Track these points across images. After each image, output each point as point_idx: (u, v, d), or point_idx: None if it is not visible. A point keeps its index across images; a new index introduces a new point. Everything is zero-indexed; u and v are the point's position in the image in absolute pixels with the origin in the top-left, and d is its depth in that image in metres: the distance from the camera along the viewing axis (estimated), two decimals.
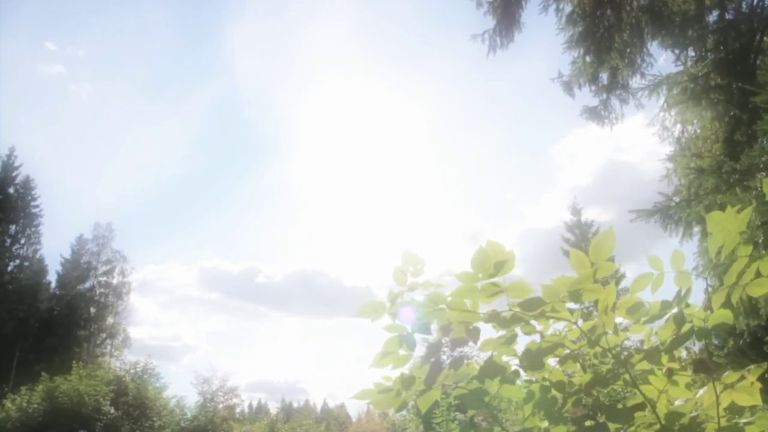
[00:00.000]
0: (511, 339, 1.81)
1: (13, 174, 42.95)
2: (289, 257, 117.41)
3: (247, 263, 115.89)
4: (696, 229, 5.21)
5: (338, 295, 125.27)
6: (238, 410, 26.23)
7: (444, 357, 1.88)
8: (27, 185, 43.30)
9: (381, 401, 1.57)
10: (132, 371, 22.77)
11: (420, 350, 1.86)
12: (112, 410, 20.31)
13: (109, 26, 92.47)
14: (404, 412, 17.08)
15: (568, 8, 6.52)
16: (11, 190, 42.33)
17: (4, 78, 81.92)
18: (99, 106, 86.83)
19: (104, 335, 44.72)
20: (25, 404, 19.56)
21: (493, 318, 1.66)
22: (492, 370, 1.62)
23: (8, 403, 20.16)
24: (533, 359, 1.61)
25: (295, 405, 76.40)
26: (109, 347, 44.84)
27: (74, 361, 22.89)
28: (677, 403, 1.90)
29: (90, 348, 42.89)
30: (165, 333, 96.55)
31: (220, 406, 23.77)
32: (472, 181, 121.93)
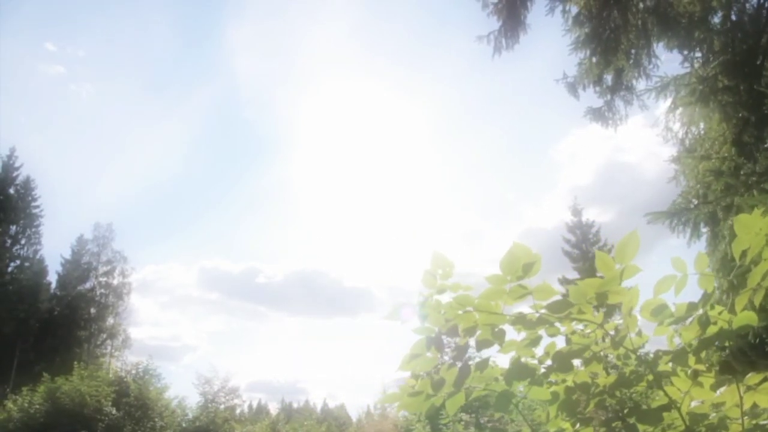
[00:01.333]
0: (536, 341, 1.82)
1: (14, 174, 42.92)
2: (289, 257, 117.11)
3: (247, 263, 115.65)
4: (704, 230, 5.23)
5: (338, 295, 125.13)
6: (238, 411, 26.21)
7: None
8: (27, 186, 43.28)
9: (410, 404, 1.58)
10: (133, 372, 22.77)
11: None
12: (114, 411, 20.30)
13: (109, 26, 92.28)
14: (406, 413, 17.07)
15: (574, 10, 6.53)
16: (12, 191, 42.29)
17: (4, 78, 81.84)
18: (99, 106, 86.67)
19: (104, 336, 44.67)
20: (26, 405, 19.55)
21: (520, 320, 1.67)
22: (520, 371, 1.62)
23: (10, 404, 20.16)
24: (564, 361, 1.61)
25: (295, 405, 76.42)
26: (109, 348, 44.80)
27: (75, 362, 22.89)
28: (693, 404, 1.91)
29: (90, 348, 42.85)
30: (165, 333, 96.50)
31: (222, 406, 23.77)
32: (473, 181, 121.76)
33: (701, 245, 6.07)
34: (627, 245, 1.65)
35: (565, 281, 27.71)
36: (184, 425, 22.57)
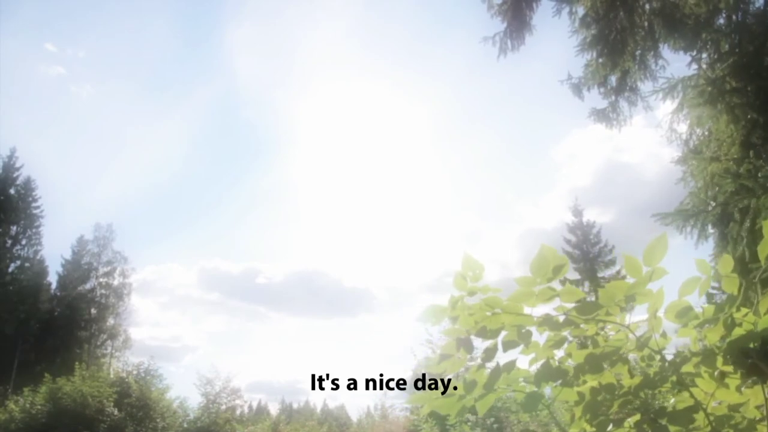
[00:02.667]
0: (560, 342, 1.83)
1: (14, 175, 42.92)
2: (289, 257, 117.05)
3: (247, 263, 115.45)
4: (711, 231, 5.24)
5: (338, 295, 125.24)
6: (239, 411, 26.20)
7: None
8: (28, 186, 43.28)
9: (442, 405, 1.60)
10: (135, 372, 22.79)
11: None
12: (116, 411, 20.31)
13: (109, 26, 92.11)
14: (409, 413, 17.10)
15: (581, 11, 6.56)
16: (12, 191, 42.30)
17: (4, 79, 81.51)
18: (99, 107, 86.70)
19: (105, 336, 44.68)
20: (28, 405, 19.58)
21: (547, 322, 1.68)
22: (551, 373, 1.63)
23: (12, 404, 20.18)
24: (596, 363, 1.63)
25: (295, 406, 76.55)
26: (109, 348, 44.82)
27: (76, 362, 22.91)
28: (713, 405, 1.92)
29: (91, 349, 42.86)
30: (165, 333, 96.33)
31: (223, 407, 23.77)
32: (473, 181, 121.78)
33: (707, 246, 6.09)
34: (655, 249, 1.66)
35: (566, 282, 27.71)
36: (185, 426, 22.58)
